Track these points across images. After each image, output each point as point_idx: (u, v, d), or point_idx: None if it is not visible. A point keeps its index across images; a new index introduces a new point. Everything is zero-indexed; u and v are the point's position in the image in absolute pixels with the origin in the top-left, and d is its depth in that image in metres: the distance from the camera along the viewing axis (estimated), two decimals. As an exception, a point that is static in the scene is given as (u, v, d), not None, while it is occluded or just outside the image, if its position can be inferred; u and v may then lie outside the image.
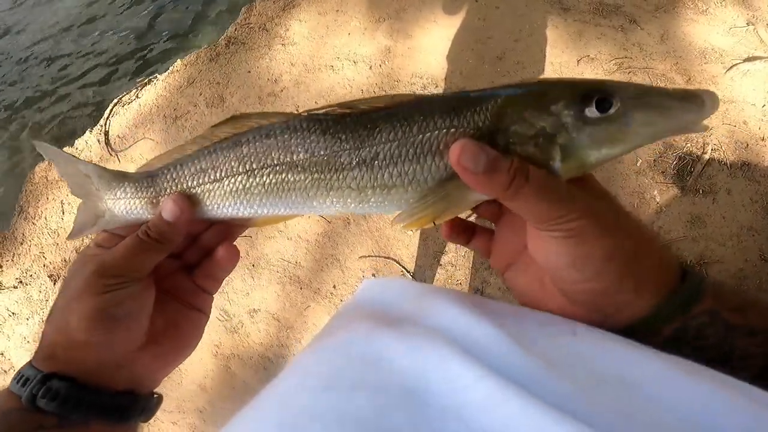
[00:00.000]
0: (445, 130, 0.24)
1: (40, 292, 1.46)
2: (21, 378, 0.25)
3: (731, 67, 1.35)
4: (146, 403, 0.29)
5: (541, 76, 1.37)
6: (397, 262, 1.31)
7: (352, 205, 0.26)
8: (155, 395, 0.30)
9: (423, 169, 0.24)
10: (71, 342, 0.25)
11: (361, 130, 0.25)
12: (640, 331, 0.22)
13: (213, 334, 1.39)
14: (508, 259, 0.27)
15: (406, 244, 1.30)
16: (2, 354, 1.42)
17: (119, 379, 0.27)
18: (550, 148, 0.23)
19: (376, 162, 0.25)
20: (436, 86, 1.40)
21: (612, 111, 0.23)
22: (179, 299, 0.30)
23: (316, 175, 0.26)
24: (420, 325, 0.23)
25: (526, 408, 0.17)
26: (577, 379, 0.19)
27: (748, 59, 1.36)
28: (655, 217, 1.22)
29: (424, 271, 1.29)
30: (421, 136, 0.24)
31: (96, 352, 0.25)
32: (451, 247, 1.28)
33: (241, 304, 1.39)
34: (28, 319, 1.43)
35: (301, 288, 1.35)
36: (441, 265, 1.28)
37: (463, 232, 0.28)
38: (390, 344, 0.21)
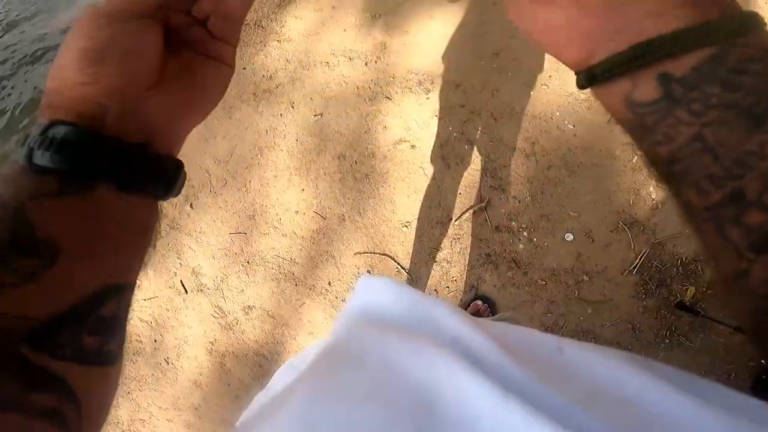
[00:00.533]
0: None
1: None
2: (24, 138, 0.21)
3: None
4: (163, 164, 0.24)
5: (538, 72, 1.36)
6: (393, 259, 1.30)
7: None
8: (175, 160, 0.25)
9: None
10: (67, 84, 0.21)
11: None
12: (658, 50, 0.18)
13: (208, 331, 1.38)
14: None
15: (401, 241, 1.30)
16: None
17: (128, 129, 0.22)
18: None
19: None
20: (432, 82, 1.39)
21: None
22: (195, 49, 0.25)
23: None
24: (426, 335, 0.23)
25: (528, 419, 0.17)
26: (569, 392, 0.18)
27: None
28: (651, 213, 1.22)
29: (419, 267, 1.29)
30: None
31: (95, 92, 0.21)
32: (446, 243, 1.28)
33: (236, 301, 1.39)
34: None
35: (296, 285, 1.35)
36: (436, 261, 1.28)
37: None
38: (401, 356, 0.21)
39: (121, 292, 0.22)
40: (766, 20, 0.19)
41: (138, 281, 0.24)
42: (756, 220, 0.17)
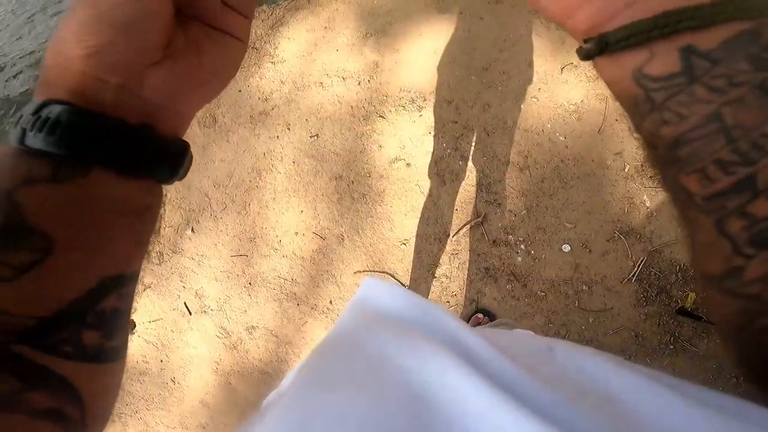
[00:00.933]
0: None
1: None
2: (17, 119, 0.19)
3: None
4: (167, 147, 0.21)
5: (527, 85, 1.38)
6: (392, 276, 1.32)
7: None
8: (180, 142, 0.22)
9: None
10: (65, 58, 0.19)
11: None
12: (687, 20, 0.16)
13: (212, 351, 1.40)
14: None
15: (400, 258, 1.31)
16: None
17: (129, 107, 0.20)
18: None
19: None
20: (424, 100, 1.41)
21: None
22: (206, 20, 0.23)
23: None
24: (421, 331, 0.23)
25: (517, 417, 0.17)
26: (558, 390, 0.18)
27: None
28: (647, 221, 1.23)
29: (419, 284, 1.30)
30: None
31: (95, 65, 0.19)
32: (444, 259, 1.29)
33: (239, 321, 1.40)
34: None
35: (298, 304, 1.36)
36: (435, 277, 1.29)
37: None
38: (395, 351, 0.21)
39: (121, 283, 0.20)
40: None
41: (141, 273, 0.22)
42: (763, 210, 0.15)
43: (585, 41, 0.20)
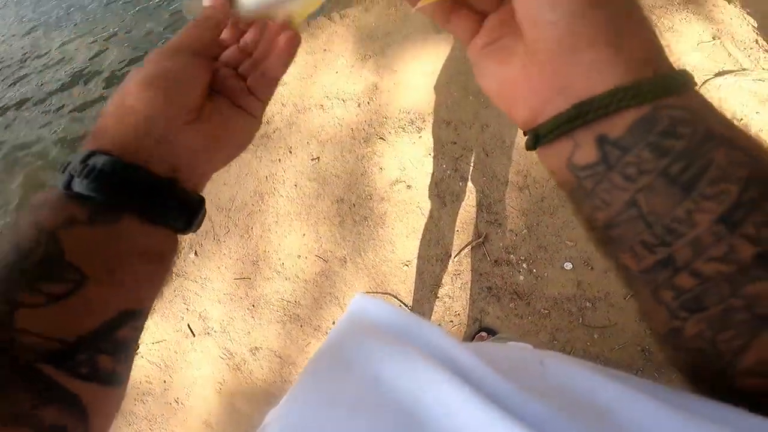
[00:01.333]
0: None
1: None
2: (64, 166, 0.22)
3: (704, 83, 1.37)
4: (188, 199, 0.25)
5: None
6: (395, 297, 1.32)
7: None
8: (198, 196, 0.26)
9: None
10: (121, 108, 0.23)
11: None
12: (596, 110, 0.18)
13: (216, 372, 1.40)
14: (493, 37, 0.24)
15: (403, 280, 1.32)
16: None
17: (160, 158, 0.23)
18: None
19: None
20: (423, 121, 1.43)
21: None
22: (230, 97, 0.28)
23: None
24: (413, 346, 0.23)
25: (510, 430, 0.17)
26: (549, 402, 0.19)
27: (719, 74, 1.38)
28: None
29: (422, 304, 1.30)
30: None
31: (143, 118, 0.23)
32: (447, 279, 1.30)
33: (243, 342, 1.41)
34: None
35: (301, 326, 1.37)
36: (438, 297, 1.30)
37: (450, 10, 0.25)
38: (386, 366, 0.22)
39: (136, 317, 0.23)
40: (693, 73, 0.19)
41: (150, 314, 0.25)
42: (686, 283, 0.18)
43: (524, 134, 0.22)
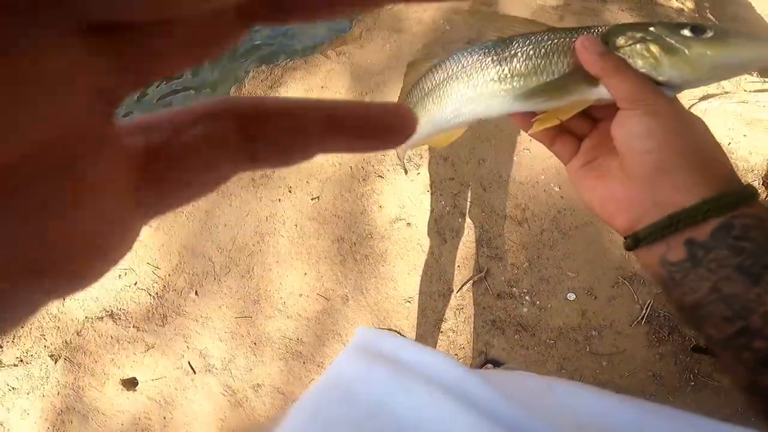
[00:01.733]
0: (569, 39, 0.30)
1: (41, 369, 1.45)
2: None
3: (689, 108, 1.41)
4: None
5: (518, 137, 1.43)
6: (399, 333, 1.31)
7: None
8: None
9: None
10: None
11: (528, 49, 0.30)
12: (685, 220, 0.24)
13: (217, 408, 1.37)
14: (588, 158, 0.30)
15: (405, 316, 1.31)
16: (2, 424, 1.40)
17: None
18: (648, 52, 0.27)
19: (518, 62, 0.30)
20: (421, 157, 1.46)
21: (706, 35, 0.27)
22: None
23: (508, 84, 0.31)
24: (415, 370, 0.24)
25: None
26: (557, 424, 0.20)
27: (704, 98, 1.42)
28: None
29: (425, 339, 1.29)
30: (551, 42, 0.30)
31: None
32: (450, 314, 1.30)
33: (245, 379, 1.39)
34: (28, 394, 1.42)
35: (304, 362, 1.35)
36: (442, 332, 1.29)
37: (554, 134, 0.31)
38: (389, 391, 0.23)
39: None
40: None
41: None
42: (761, 345, 0.22)
43: (625, 238, 0.28)
